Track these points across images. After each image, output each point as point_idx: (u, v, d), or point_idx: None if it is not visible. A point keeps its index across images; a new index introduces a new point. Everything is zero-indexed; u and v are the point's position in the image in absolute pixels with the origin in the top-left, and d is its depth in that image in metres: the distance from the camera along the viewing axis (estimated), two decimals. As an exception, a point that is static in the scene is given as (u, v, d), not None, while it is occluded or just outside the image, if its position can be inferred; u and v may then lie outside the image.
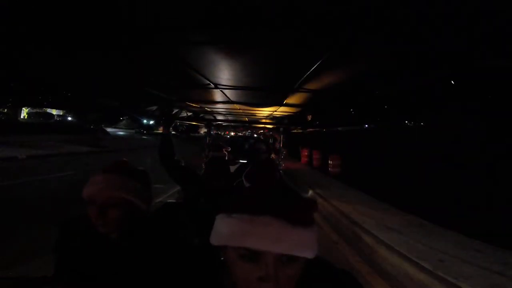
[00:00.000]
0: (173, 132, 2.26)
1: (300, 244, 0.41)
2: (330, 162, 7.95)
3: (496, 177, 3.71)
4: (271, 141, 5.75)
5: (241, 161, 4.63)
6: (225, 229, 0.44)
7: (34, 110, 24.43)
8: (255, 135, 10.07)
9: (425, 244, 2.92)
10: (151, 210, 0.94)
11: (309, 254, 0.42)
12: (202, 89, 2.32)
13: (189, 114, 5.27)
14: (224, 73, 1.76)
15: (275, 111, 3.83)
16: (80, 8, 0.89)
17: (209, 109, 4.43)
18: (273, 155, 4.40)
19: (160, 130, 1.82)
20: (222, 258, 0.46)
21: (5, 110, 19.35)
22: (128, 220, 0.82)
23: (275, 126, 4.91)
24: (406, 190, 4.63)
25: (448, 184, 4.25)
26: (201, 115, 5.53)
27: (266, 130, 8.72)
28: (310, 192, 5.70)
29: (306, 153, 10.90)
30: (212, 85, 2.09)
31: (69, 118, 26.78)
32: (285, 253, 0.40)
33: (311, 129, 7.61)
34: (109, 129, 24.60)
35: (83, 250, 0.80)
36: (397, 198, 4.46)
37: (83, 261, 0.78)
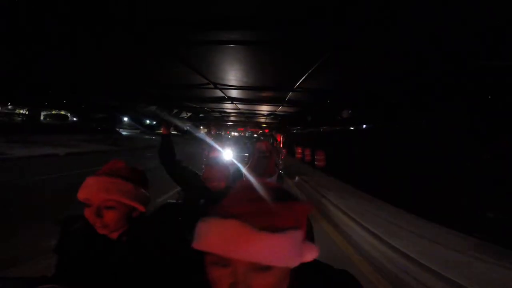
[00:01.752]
0: (173, 132, 2.22)
1: (269, 251, 0.37)
2: (316, 157, 9.69)
3: (416, 163, 5.33)
4: (270, 140, 6.87)
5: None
6: (198, 232, 0.42)
7: (54, 112, 25.71)
8: (255, 135, 11.54)
9: (360, 206, 4.58)
10: (151, 210, 0.93)
11: (282, 263, 0.38)
12: (202, 89, 2.29)
13: (189, 114, 5.38)
14: (224, 73, 1.73)
15: (275, 111, 4.09)
16: (82, 9, 0.90)
17: (209, 109, 4.58)
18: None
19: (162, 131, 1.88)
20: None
21: (27, 112, 20.56)
22: (126, 221, 0.82)
23: (274, 126, 5.40)
24: (369, 178, 6.19)
25: (390, 172, 5.91)
26: (201, 115, 5.66)
27: (266, 130, 9.97)
28: (297, 178, 7.43)
29: (299, 150, 12.68)
30: (212, 85, 2.08)
31: (75, 119, 27.11)
32: (252, 261, 0.37)
33: (303, 130, 9.14)
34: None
35: (83, 250, 0.79)
36: (361, 182, 6.09)
37: (82, 261, 0.78)
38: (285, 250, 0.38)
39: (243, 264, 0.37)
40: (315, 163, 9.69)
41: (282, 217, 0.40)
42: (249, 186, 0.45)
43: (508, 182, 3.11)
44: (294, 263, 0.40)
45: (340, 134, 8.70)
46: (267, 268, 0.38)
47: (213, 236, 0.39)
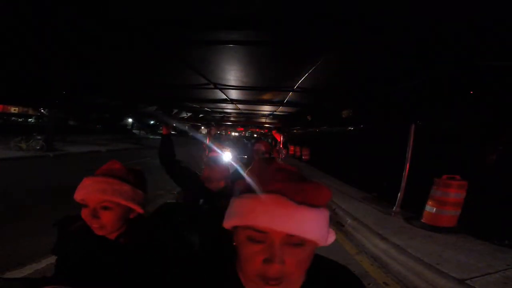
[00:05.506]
0: (173, 132, 2.19)
1: (306, 225, 0.41)
2: (303, 152, 12.59)
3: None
4: (269, 140, 7.04)
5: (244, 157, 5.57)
6: (235, 209, 0.46)
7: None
8: (255, 135, 11.83)
9: (316, 178, 6.99)
10: (151, 210, 0.90)
11: (315, 237, 0.42)
12: (201, 89, 2.28)
13: (189, 114, 5.39)
14: (224, 73, 1.74)
15: (275, 111, 4.13)
16: (83, 9, 0.91)
17: (208, 109, 4.61)
18: (274, 154, 4.75)
19: (164, 132, 1.86)
20: (234, 243, 0.46)
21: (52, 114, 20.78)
22: (123, 222, 0.81)
23: (273, 126, 5.86)
24: (340, 168, 8.55)
25: (353, 165, 8.17)
26: (201, 115, 5.69)
27: (265, 131, 10.29)
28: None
29: (292, 148, 15.25)
30: (212, 85, 2.07)
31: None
32: (291, 233, 0.40)
33: (296, 131, 9.89)
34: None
35: (82, 251, 0.78)
36: (335, 171, 8.46)
37: (82, 262, 0.77)
38: (319, 225, 0.43)
39: (280, 238, 0.41)
40: (302, 157, 12.62)
41: (313, 195, 0.43)
42: (274, 167, 0.47)
43: (394, 167, 5.24)
44: (322, 240, 0.43)
45: (320, 135, 11.14)
46: (300, 244, 0.41)
47: (254, 209, 0.42)
